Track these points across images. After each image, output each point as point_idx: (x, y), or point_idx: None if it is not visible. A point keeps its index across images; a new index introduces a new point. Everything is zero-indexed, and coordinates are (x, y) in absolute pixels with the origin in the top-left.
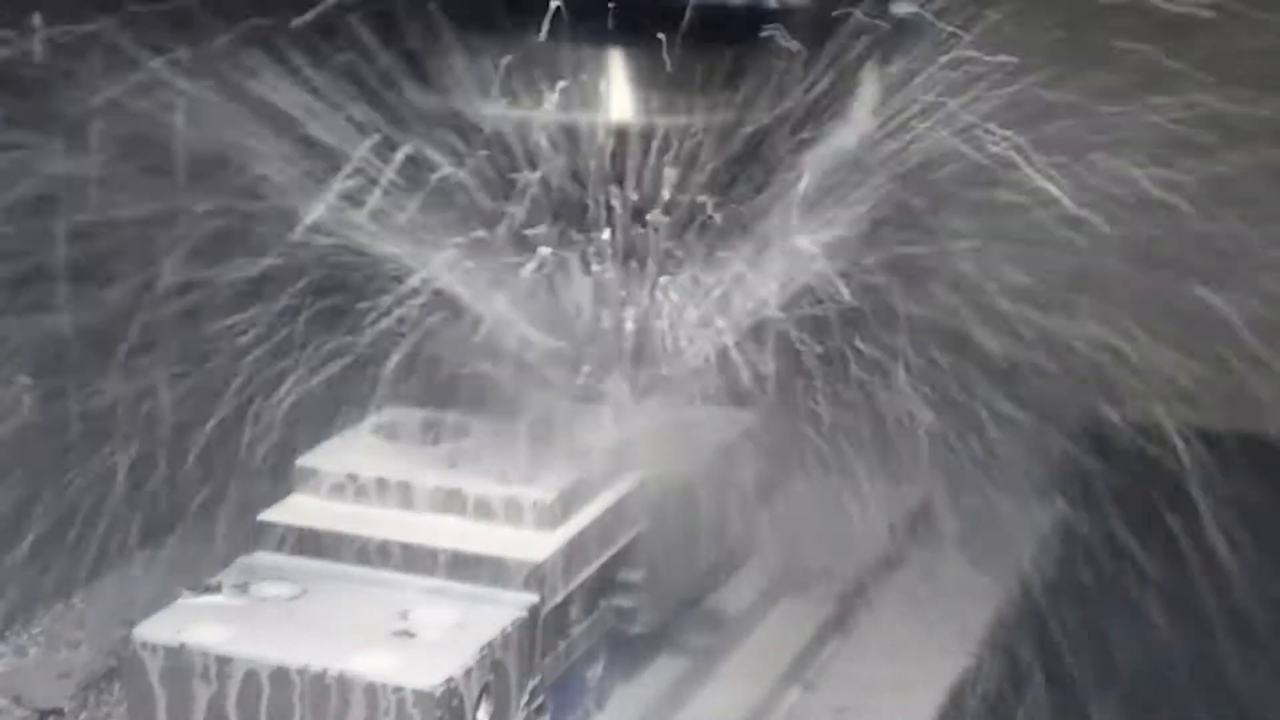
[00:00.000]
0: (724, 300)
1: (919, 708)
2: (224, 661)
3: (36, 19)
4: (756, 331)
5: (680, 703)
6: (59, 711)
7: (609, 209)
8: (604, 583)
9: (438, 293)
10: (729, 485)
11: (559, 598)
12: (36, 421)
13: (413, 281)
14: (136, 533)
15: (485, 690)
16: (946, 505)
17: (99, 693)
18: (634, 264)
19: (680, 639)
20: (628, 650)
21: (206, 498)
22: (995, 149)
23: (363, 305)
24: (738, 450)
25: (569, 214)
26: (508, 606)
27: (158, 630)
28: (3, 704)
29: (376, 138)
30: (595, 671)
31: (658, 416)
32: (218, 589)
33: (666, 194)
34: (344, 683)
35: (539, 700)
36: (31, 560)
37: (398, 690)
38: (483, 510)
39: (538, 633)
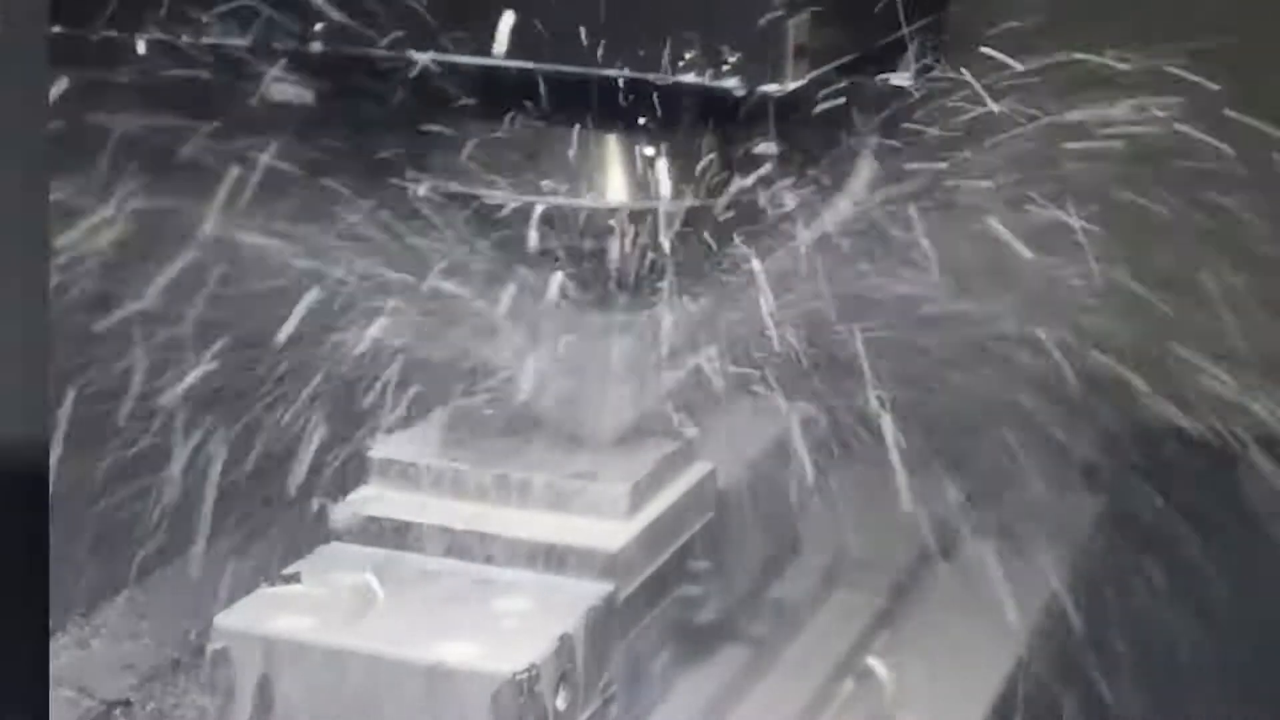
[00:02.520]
0: None
1: None
2: (307, 649)
3: None
4: None
5: (741, 693)
6: (126, 703)
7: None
8: (674, 571)
9: None
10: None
11: (632, 586)
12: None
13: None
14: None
15: (563, 678)
16: None
17: (165, 684)
18: None
19: (742, 628)
20: (693, 639)
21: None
22: None
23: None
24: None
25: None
26: (584, 595)
27: (241, 619)
28: (70, 695)
29: None
30: (662, 660)
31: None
32: (297, 579)
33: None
34: (427, 670)
35: (611, 689)
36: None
37: (480, 676)
38: (557, 500)
39: (613, 621)
